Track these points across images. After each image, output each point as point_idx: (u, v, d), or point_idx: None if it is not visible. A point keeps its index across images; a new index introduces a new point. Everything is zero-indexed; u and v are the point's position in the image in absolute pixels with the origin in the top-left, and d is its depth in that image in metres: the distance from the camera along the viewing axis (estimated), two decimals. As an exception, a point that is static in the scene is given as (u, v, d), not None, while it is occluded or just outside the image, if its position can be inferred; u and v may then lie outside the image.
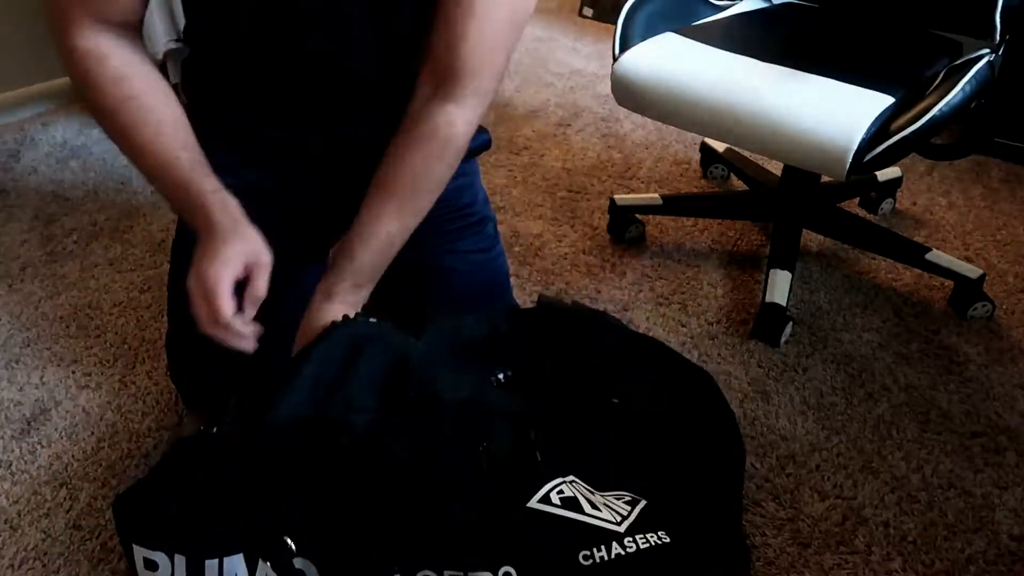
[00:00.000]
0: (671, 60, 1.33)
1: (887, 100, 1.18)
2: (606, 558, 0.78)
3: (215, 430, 0.87)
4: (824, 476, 1.11)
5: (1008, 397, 1.26)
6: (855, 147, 1.14)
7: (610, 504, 0.85)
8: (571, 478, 0.87)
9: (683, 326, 1.39)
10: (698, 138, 1.95)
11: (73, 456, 1.10)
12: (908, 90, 1.23)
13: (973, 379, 1.29)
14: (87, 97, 0.88)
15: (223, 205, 0.88)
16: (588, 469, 0.89)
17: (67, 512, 1.02)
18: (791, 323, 1.36)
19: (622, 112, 2.09)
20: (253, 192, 1.05)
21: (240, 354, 0.92)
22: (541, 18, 2.81)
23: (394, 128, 0.94)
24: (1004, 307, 1.46)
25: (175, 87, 0.96)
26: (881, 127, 1.17)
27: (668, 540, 0.82)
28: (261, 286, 0.86)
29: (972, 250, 1.63)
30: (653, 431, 0.99)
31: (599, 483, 0.89)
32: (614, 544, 0.80)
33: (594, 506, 0.83)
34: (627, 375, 1.04)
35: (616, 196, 1.61)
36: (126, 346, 1.29)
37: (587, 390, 1.01)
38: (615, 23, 1.39)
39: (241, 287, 0.85)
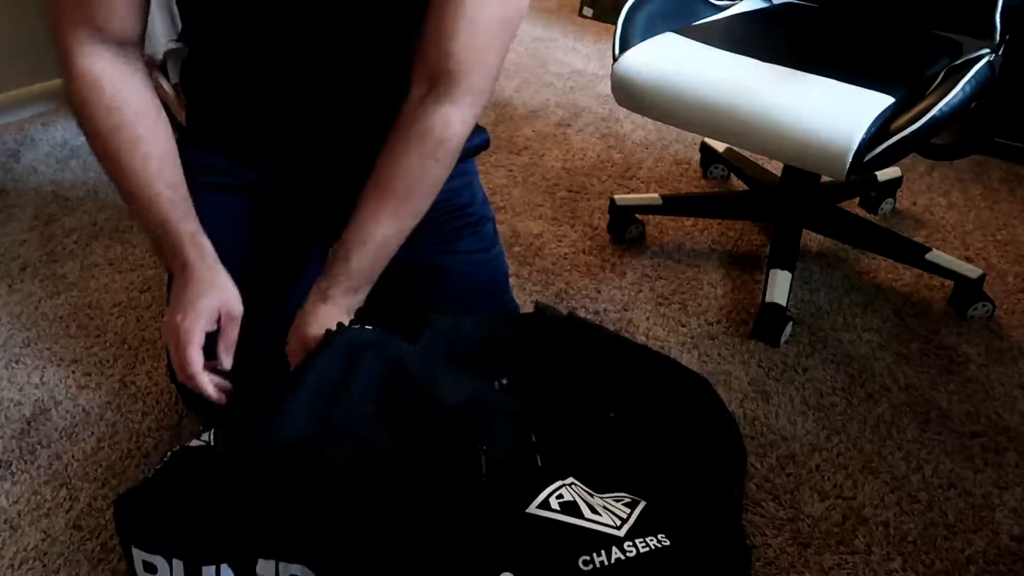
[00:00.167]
0: (671, 60, 1.33)
1: (887, 100, 1.18)
2: (606, 563, 0.78)
3: (213, 443, 0.87)
4: (824, 476, 1.11)
5: (1008, 397, 1.26)
6: (855, 147, 1.14)
7: (610, 507, 0.85)
8: (570, 480, 0.87)
9: (683, 326, 1.39)
10: (698, 138, 1.95)
11: (73, 456, 1.10)
12: (908, 90, 1.23)
13: (973, 379, 1.29)
14: (81, 125, 0.89)
15: (199, 251, 0.90)
16: (588, 471, 0.89)
17: (67, 512, 1.02)
18: (791, 323, 1.36)
19: (622, 112, 2.09)
20: (253, 192, 1.05)
21: (239, 356, 0.92)
22: (541, 18, 2.81)
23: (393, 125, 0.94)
24: (1004, 307, 1.46)
25: (175, 87, 0.96)
26: (881, 127, 1.17)
27: (668, 543, 0.82)
28: (232, 336, 0.90)
29: (972, 250, 1.63)
30: (653, 432, 0.99)
31: (599, 485, 0.88)
32: (614, 549, 0.80)
33: (594, 510, 0.83)
34: (627, 375, 1.04)
35: (616, 196, 1.61)
36: (126, 346, 1.29)
37: (587, 391, 1.01)
38: (615, 23, 1.39)
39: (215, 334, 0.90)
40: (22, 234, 1.56)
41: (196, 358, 0.87)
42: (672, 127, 1.83)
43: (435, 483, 0.84)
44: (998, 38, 1.29)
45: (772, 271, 1.39)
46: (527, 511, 0.82)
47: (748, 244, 1.62)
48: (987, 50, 1.25)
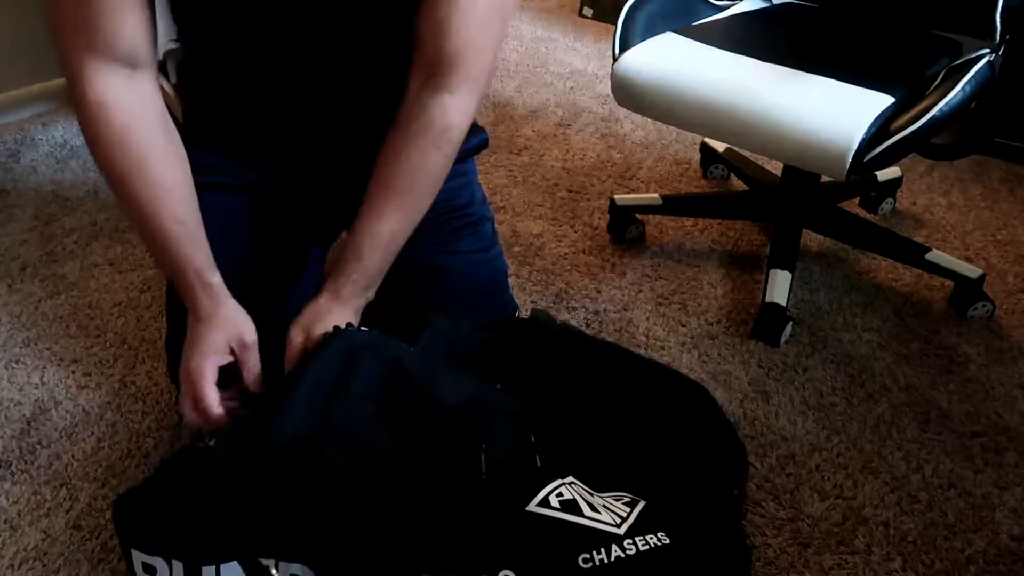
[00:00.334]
0: (671, 60, 1.33)
1: (887, 100, 1.18)
2: (606, 561, 0.78)
3: (212, 443, 0.87)
4: (824, 476, 1.11)
5: (1008, 397, 1.26)
6: (855, 147, 1.14)
7: (609, 505, 0.85)
8: (570, 479, 0.87)
9: (683, 326, 1.39)
10: (698, 138, 1.95)
11: (73, 456, 1.10)
12: (908, 90, 1.23)
13: (973, 379, 1.29)
14: (92, 154, 0.88)
15: (205, 289, 0.91)
16: (587, 470, 0.89)
17: (67, 512, 1.02)
18: (791, 323, 1.36)
19: (622, 112, 2.09)
20: (253, 192, 1.05)
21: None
22: (541, 18, 2.81)
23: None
24: (1004, 307, 1.46)
25: (175, 87, 0.96)
26: (881, 127, 1.17)
27: (668, 541, 0.82)
28: (251, 363, 0.91)
29: (972, 250, 1.63)
30: (652, 432, 0.99)
31: (598, 484, 0.88)
32: (614, 547, 0.80)
33: (593, 508, 0.83)
34: (626, 376, 1.04)
35: (616, 196, 1.61)
36: (126, 346, 1.29)
37: (587, 391, 1.01)
38: (615, 23, 1.39)
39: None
40: (22, 234, 1.57)
41: (209, 392, 0.88)
42: (672, 127, 1.84)
43: (435, 483, 0.84)
44: (998, 38, 1.29)
45: (772, 271, 1.39)
46: (527, 509, 0.82)
47: (748, 244, 1.62)
48: (987, 50, 1.25)
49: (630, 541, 0.81)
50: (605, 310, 1.41)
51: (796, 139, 1.19)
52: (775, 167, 1.69)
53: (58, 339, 1.31)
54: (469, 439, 0.87)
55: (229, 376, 0.90)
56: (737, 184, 1.82)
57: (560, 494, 0.84)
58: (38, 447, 1.11)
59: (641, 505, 0.87)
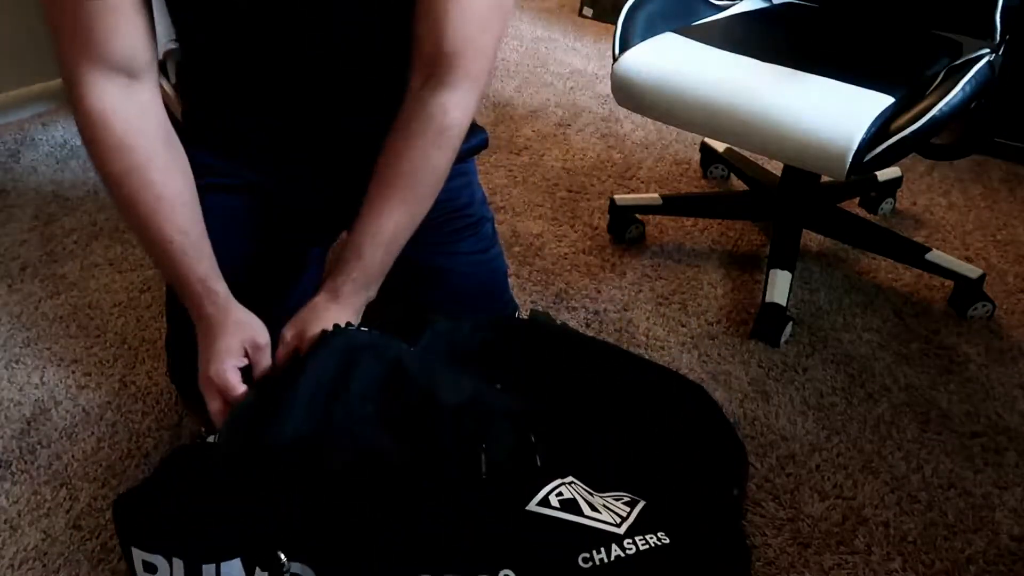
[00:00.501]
0: (671, 60, 1.33)
1: (887, 100, 1.18)
2: (606, 560, 0.78)
3: (212, 440, 0.87)
4: (824, 476, 1.11)
5: (1008, 397, 1.26)
6: (855, 147, 1.14)
7: (609, 505, 0.85)
8: (570, 479, 0.87)
9: (683, 326, 1.39)
10: (698, 138, 1.95)
11: (73, 456, 1.10)
12: (908, 90, 1.23)
13: (973, 379, 1.29)
14: (93, 163, 0.88)
15: (211, 298, 0.90)
16: (587, 470, 0.89)
17: (67, 512, 1.02)
18: (791, 323, 1.36)
19: (622, 112, 2.09)
20: (253, 192, 1.05)
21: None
22: (541, 18, 2.81)
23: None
24: (1004, 307, 1.46)
25: (175, 87, 0.95)
26: (881, 127, 1.17)
27: (668, 541, 0.82)
28: (264, 364, 0.90)
29: (972, 250, 1.63)
30: (652, 431, 0.99)
31: (598, 484, 0.89)
32: (614, 546, 0.80)
33: (593, 508, 0.83)
34: (626, 376, 1.05)
35: (616, 196, 1.61)
36: (126, 346, 1.29)
37: (587, 391, 1.01)
38: (615, 23, 1.39)
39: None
40: (22, 234, 1.57)
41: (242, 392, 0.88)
42: (672, 127, 1.83)
43: (435, 483, 0.84)
44: (998, 38, 1.29)
45: (772, 271, 1.39)
46: (527, 508, 0.82)
47: (748, 244, 1.62)
48: (987, 50, 1.25)
49: (630, 541, 0.81)
50: (605, 310, 1.41)
51: (796, 139, 1.19)
52: (775, 167, 1.69)
53: (58, 339, 1.31)
54: (469, 439, 0.87)
55: (245, 379, 0.90)
56: (737, 184, 1.82)
57: (560, 494, 0.84)
58: (38, 447, 1.11)
59: (641, 505, 0.87)
